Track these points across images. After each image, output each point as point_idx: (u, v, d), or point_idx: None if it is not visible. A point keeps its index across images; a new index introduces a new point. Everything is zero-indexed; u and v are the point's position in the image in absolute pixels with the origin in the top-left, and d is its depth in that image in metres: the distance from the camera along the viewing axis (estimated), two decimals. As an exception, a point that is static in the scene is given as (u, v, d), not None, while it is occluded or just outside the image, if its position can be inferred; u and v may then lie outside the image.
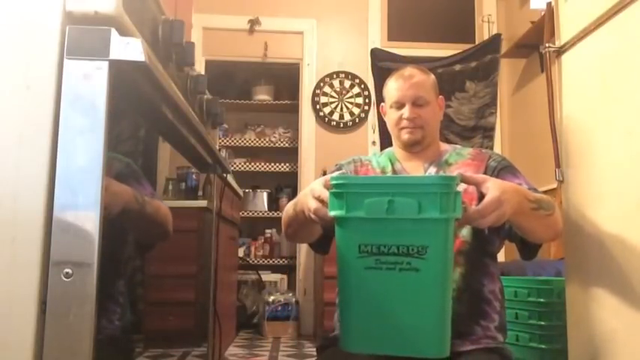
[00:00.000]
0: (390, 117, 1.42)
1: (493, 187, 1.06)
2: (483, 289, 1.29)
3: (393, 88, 1.42)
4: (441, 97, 1.46)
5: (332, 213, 1.01)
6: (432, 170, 1.40)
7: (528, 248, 1.28)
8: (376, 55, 3.79)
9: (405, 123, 1.37)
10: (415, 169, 1.41)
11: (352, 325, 1.02)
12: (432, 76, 1.46)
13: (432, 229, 0.96)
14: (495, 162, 1.37)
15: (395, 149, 1.47)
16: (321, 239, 1.36)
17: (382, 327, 0.99)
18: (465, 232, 1.29)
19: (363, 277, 0.99)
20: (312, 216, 1.09)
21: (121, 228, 1.09)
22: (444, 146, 1.46)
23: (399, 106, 1.39)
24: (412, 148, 1.39)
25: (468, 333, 1.24)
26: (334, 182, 1.02)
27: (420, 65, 1.50)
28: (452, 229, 0.98)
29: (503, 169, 1.35)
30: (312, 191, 1.11)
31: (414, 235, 0.96)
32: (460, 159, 1.40)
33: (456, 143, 1.59)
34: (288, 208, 1.30)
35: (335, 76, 4.16)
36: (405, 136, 1.38)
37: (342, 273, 1.02)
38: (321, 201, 1.07)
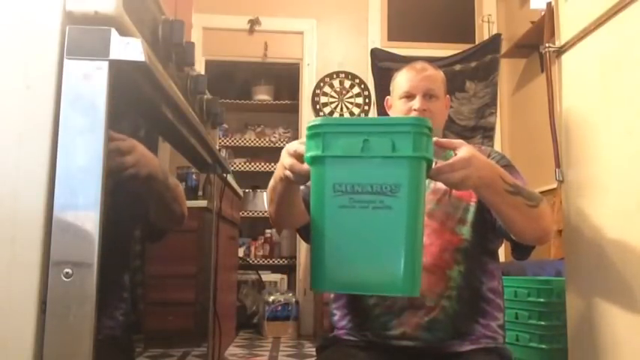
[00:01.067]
0: (398, 108, 1.40)
1: (465, 150, 1.06)
2: (482, 287, 1.28)
3: (404, 79, 1.40)
4: (447, 95, 1.45)
5: (308, 154, 1.02)
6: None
7: (520, 248, 1.27)
8: (376, 55, 3.79)
9: (414, 114, 1.35)
10: None
11: (324, 264, 1.02)
12: (442, 73, 1.45)
13: (405, 168, 0.97)
14: (494, 160, 1.35)
15: None
16: (308, 226, 1.34)
17: (354, 265, 0.99)
18: (465, 230, 1.29)
19: (337, 215, 1.00)
20: (288, 173, 1.05)
21: (141, 204, 1.08)
22: None
23: (409, 97, 1.38)
24: None
25: (468, 333, 1.23)
26: (311, 125, 1.03)
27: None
28: (424, 169, 0.99)
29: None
30: (286, 149, 1.07)
31: (387, 174, 0.97)
32: None
33: None
34: (270, 183, 1.23)
35: (335, 76, 4.16)
36: None
37: (315, 213, 1.03)
38: (298, 157, 1.04)
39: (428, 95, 1.37)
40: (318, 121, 1.03)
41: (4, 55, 0.72)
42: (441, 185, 1.31)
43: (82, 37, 0.72)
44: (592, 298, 1.39)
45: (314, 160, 1.02)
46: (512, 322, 2.08)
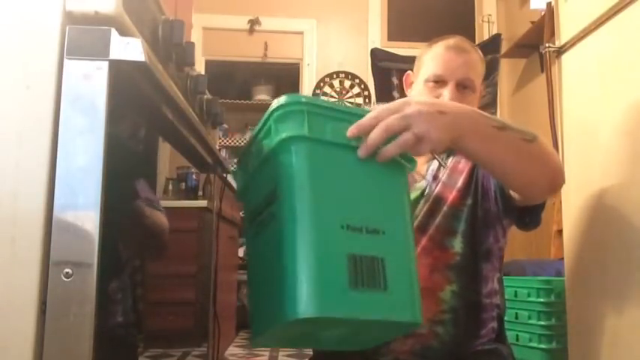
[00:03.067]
0: (423, 93, 1.16)
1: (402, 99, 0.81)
2: (479, 298, 1.15)
3: (437, 58, 1.15)
4: (482, 83, 1.20)
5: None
6: (434, 164, 1.22)
7: (527, 213, 1.09)
8: (376, 55, 3.78)
9: None
10: (419, 163, 1.10)
11: (252, 311, 0.86)
12: (482, 56, 1.21)
13: (272, 160, 0.79)
14: None
15: None
16: None
17: (264, 304, 0.81)
18: (456, 242, 1.14)
19: (251, 250, 0.87)
20: None
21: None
22: None
23: (440, 82, 1.14)
24: None
25: (466, 351, 1.15)
26: None
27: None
28: (296, 152, 0.76)
29: None
30: None
31: (266, 177, 0.81)
32: None
33: None
34: None
35: (335, 76, 4.17)
36: None
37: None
38: None
39: (462, 85, 1.13)
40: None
41: (4, 55, 0.72)
42: (440, 192, 1.18)
43: (82, 37, 0.72)
44: (592, 297, 1.39)
45: None
46: (512, 322, 2.08)
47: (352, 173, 0.78)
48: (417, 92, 1.17)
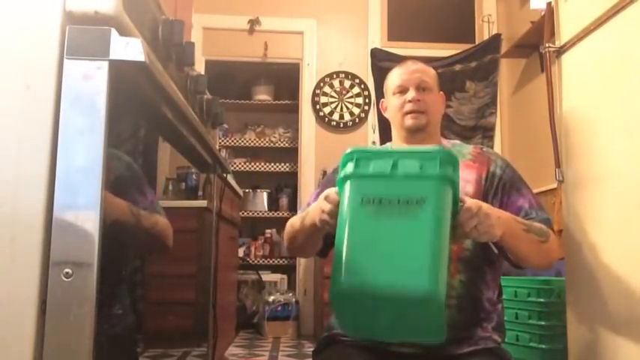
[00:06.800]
0: (393, 104, 1.39)
1: (471, 200, 1.09)
2: (482, 297, 1.27)
3: (396, 75, 1.41)
4: (441, 92, 1.44)
5: (341, 172, 1.09)
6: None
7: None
8: (376, 55, 3.79)
9: (409, 106, 1.34)
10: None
11: (342, 272, 1.02)
12: (433, 70, 1.45)
13: (431, 184, 1.04)
14: (500, 169, 1.34)
15: (394, 142, 1.44)
16: (321, 248, 1.35)
17: (372, 272, 1.00)
18: (468, 240, 1.26)
19: (362, 225, 1.05)
20: (325, 217, 1.09)
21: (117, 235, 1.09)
22: (444, 142, 1.43)
23: (403, 90, 1.37)
24: (415, 135, 1.36)
25: (467, 337, 1.22)
26: (347, 153, 1.10)
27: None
28: (447, 188, 1.04)
29: (508, 184, 1.31)
30: (324, 196, 1.11)
31: (413, 190, 1.04)
32: (461, 158, 1.28)
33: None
34: (294, 222, 1.29)
35: (335, 76, 4.16)
36: (409, 121, 1.35)
37: (341, 225, 1.05)
38: (335, 204, 1.07)
39: (421, 88, 1.36)
40: (353, 150, 1.11)
41: (4, 55, 0.72)
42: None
43: (82, 37, 0.72)
44: (592, 298, 1.39)
45: (346, 178, 1.08)
46: (512, 322, 2.08)
47: None
48: (391, 108, 1.41)
